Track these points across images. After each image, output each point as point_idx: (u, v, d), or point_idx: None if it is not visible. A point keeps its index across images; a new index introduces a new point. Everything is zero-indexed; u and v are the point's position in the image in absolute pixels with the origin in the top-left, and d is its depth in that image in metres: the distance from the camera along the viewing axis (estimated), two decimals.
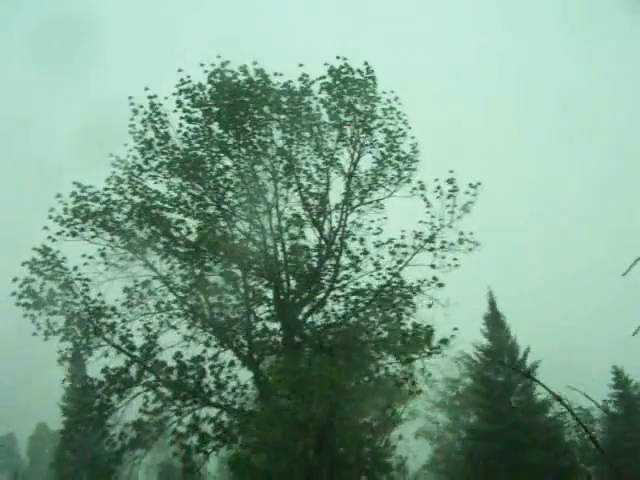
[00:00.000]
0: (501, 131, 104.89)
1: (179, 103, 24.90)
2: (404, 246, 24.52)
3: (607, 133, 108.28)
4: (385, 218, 25.04)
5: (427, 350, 23.79)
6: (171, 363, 24.38)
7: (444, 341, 23.87)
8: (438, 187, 24.42)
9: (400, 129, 25.35)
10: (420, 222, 24.51)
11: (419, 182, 24.92)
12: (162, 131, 24.98)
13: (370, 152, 25.37)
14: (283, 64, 25.40)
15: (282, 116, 25.14)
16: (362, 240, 24.73)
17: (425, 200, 24.63)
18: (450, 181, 24.36)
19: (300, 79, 25.01)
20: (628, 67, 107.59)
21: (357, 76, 25.10)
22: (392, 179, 25.32)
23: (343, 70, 25.03)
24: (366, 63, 25.24)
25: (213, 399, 24.34)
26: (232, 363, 24.52)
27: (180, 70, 24.73)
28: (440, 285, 23.96)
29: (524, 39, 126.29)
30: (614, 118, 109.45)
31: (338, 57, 24.94)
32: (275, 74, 25.02)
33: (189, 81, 24.86)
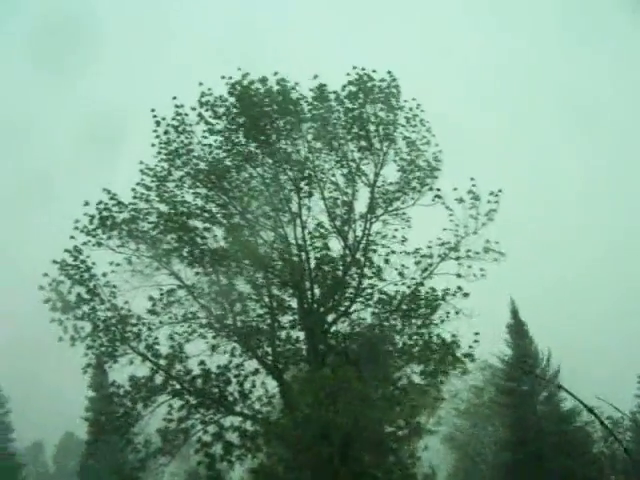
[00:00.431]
0: (503, 132, 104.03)
1: (200, 116, 25.07)
2: (430, 257, 24.49)
3: (609, 133, 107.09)
4: (409, 227, 25.09)
5: (452, 366, 23.79)
6: (196, 371, 24.46)
7: (469, 356, 23.80)
8: (460, 198, 24.37)
9: (424, 137, 25.35)
10: (444, 230, 24.48)
11: (437, 189, 24.96)
12: (186, 141, 25.17)
13: (394, 160, 25.37)
14: (287, 68, 25.51)
15: (305, 125, 25.22)
16: (387, 249, 24.80)
17: (447, 208, 24.62)
18: (471, 191, 24.31)
19: (318, 88, 25.10)
20: (628, 66, 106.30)
21: (380, 84, 25.15)
22: (415, 187, 25.30)
23: (365, 79, 25.09)
24: (389, 72, 25.31)
25: (237, 408, 24.34)
26: (256, 372, 24.52)
27: (201, 84, 24.96)
28: (465, 295, 23.87)
29: (524, 39, 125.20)
30: (615, 118, 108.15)
31: (355, 67, 25.14)
32: (296, 84, 25.15)
33: (210, 94, 25.01)
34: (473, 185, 24.33)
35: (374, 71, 25.17)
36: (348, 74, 25.04)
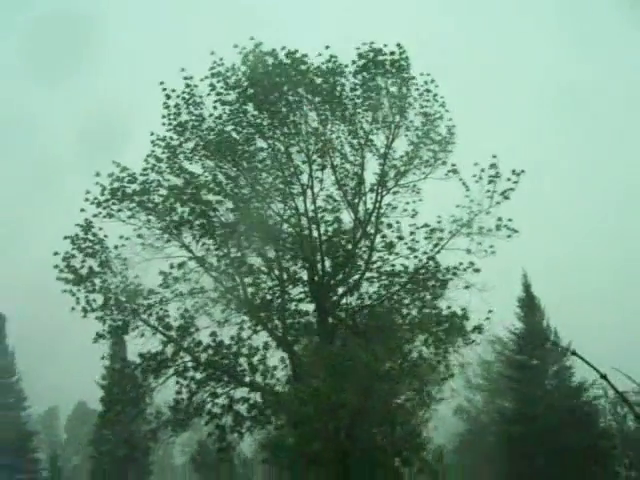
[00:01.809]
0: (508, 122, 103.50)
1: (212, 86, 24.91)
2: (441, 230, 24.36)
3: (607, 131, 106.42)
4: (420, 200, 24.96)
5: (461, 339, 23.77)
6: (206, 343, 24.51)
7: (478, 329, 23.73)
8: (482, 170, 24.02)
9: (437, 111, 25.11)
10: (457, 206, 24.24)
11: (453, 165, 24.72)
12: (196, 112, 25.03)
13: (406, 135, 25.21)
14: (295, 44, 25.19)
15: (316, 97, 25.02)
16: (397, 223, 24.77)
17: (464, 184, 24.33)
18: (493, 166, 23.98)
19: (329, 60, 24.84)
20: (626, 65, 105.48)
21: (392, 57, 24.88)
22: (427, 161, 25.14)
23: (375, 51, 24.83)
24: (399, 44, 24.99)
25: (247, 380, 24.44)
26: (266, 344, 24.57)
27: (212, 53, 24.77)
28: (476, 271, 23.76)
29: (520, 36, 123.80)
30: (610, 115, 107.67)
31: (365, 44, 24.81)
32: (305, 56, 24.88)
33: (222, 64, 24.84)
34: (493, 163, 24.00)
35: (385, 45, 24.89)
36: (358, 48, 24.78)
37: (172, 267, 24.13)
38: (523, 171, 24.01)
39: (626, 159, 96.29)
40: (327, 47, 24.60)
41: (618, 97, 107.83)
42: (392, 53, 24.88)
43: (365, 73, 24.91)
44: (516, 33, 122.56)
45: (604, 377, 17.76)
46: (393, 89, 25.02)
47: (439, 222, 24.36)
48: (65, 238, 23.83)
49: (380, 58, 24.82)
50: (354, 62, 24.91)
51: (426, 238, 24.42)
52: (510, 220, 23.86)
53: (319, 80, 24.90)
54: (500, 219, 23.86)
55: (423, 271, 24.49)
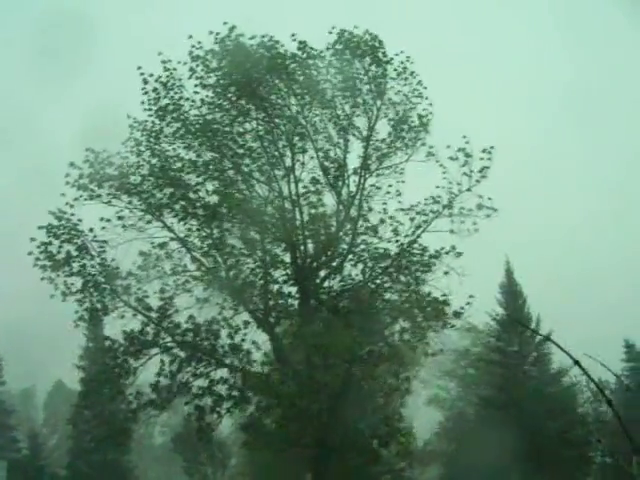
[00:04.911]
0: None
1: (192, 70, 24.69)
2: (424, 213, 24.36)
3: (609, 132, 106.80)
4: (403, 182, 24.98)
5: (442, 321, 23.83)
6: (186, 325, 24.48)
7: (457, 314, 23.80)
8: (455, 156, 24.09)
9: (415, 90, 25.10)
10: (437, 187, 24.30)
11: (431, 147, 24.75)
12: (177, 96, 24.83)
13: (385, 115, 25.19)
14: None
15: (293, 83, 24.88)
16: (384, 204, 24.76)
17: (441, 166, 24.32)
18: (462, 149, 23.99)
19: (303, 47, 24.78)
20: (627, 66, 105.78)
21: (365, 39, 24.92)
22: (409, 142, 25.14)
23: (347, 36, 24.87)
24: (367, 30, 25.05)
25: (228, 361, 24.45)
26: (247, 324, 24.55)
27: (190, 37, 24.51)
28: (459, 254, 23.78)
29: (519, 37, 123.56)
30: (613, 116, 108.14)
31: (345, 30, 24.94)
32: (281, 45, 24.81)
33: (200, 47, 24.60)
34: (466, 142, 24.02)
35: (356, 27, 25.04)
36: (330, 32, 24.82)
37: (154, 247, 24.05)
38: (493, 147, 24.05)
39: (618, 149, 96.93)
40: (293, 35, 24.66)
41: (613, 91, 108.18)
42: (366, 33, 24.90)
43: (341, 57, 24.88)
44: (515, 32, 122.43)
45: (577, 363, 17.98)
46: (371, 69, 25.00)
47: (421, 203, 24.42)
48: (40, 228, 23.67)
49: (354, 40, 24.83)
50: (329, 48, 24.91)
51: (410, 220, 24.42)
52: (490, 199, 23.93)
53: (295, 65, 24.76)
54: (481, 196, 23.92)
55: (405, 254, 24.51)
